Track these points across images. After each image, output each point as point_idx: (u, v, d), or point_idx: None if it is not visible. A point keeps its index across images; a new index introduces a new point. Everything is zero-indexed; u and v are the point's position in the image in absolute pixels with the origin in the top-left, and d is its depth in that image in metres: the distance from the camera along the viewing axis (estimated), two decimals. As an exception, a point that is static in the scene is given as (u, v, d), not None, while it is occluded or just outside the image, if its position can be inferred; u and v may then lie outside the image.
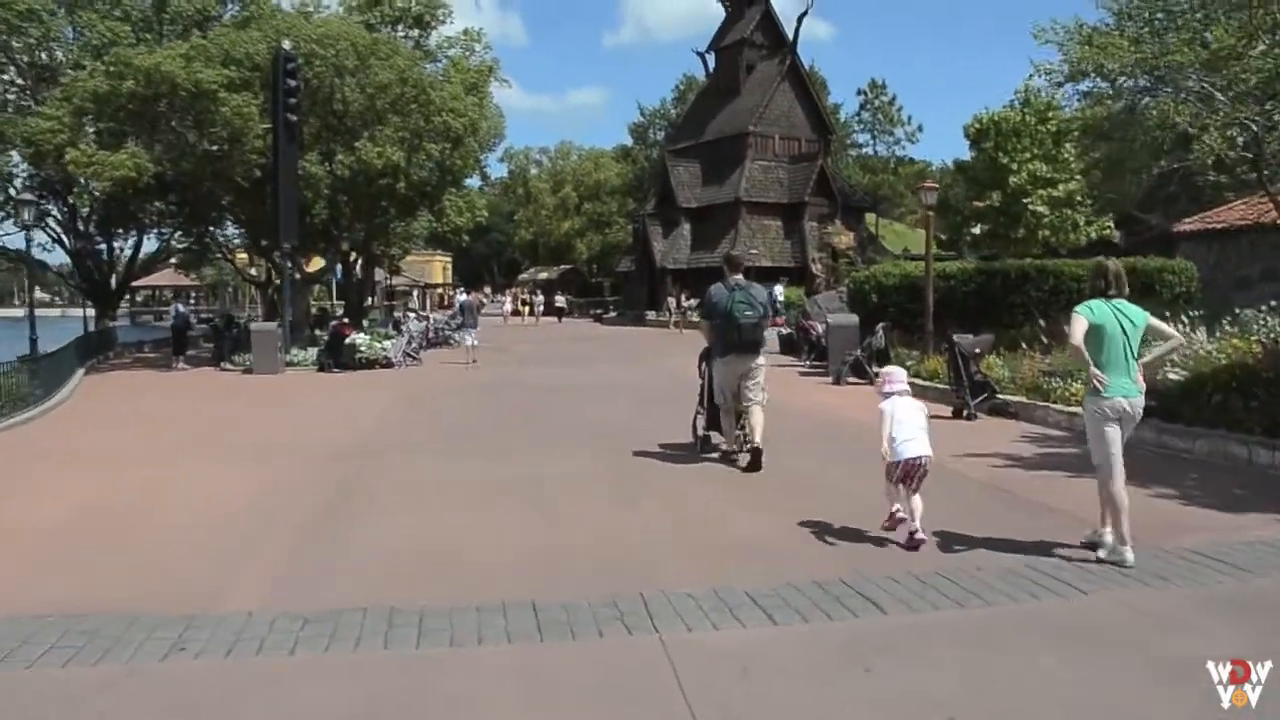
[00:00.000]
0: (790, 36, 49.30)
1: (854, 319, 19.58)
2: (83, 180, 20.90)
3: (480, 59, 32.30)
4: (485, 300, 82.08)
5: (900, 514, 6.49)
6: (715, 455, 9.72)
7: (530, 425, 12.45)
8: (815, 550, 6.35)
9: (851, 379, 17.22)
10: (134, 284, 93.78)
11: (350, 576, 5.84)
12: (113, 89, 21.51)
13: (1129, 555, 5.72)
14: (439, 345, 31.57)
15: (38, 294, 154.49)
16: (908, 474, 6.33)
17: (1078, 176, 38.27)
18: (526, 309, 54.97)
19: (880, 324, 17.99)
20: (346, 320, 23.48)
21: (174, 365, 24.47)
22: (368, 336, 23.38)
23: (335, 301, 45.54)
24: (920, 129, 58.78)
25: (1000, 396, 12.87)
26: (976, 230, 40.35)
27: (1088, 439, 6.03)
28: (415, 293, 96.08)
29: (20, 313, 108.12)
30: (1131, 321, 5.74)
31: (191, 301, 78.59)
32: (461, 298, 46.28)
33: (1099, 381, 5.66)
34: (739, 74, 49.84)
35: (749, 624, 4.90)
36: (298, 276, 26.02)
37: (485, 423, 12.88)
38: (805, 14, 48.26)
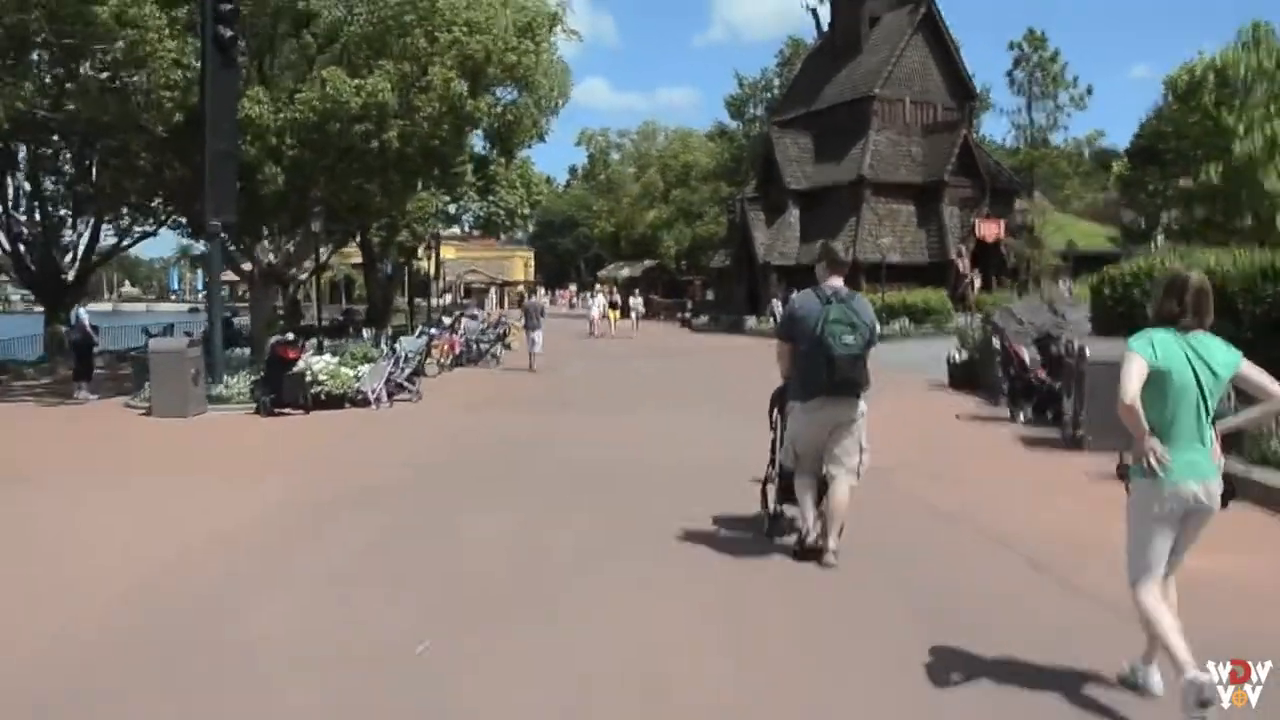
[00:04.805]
0: (925, -21, 40.11)
1: (1133, 353, 10.95)
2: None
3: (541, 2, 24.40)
4: (574, 300, 75.01)
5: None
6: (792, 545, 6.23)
7: None
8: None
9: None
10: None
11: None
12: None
13: (1155, 679, 3.99)
14: (472, 362, 23.98)
15: (126, 288, 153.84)
16: None
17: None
18: (617, 313, 39.64)
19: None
20: (290, 338, 15.72)
21: (75, 394, 17.13)
22: (333, 360, 15.57)
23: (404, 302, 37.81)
24: (1090, 91, 47.79)
25: None
26: (1174, 215, 30.91)
27: (1126, 531, 4.02)
28: (492, 290, 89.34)
29: (109, 306, 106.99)
30: (1211, 369, 3.79)
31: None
32: (550, 298, 39.22)
33: (1155, 458, 3.73)
34: (860, 28, 40.91)
35: None
36: (251, 269, 18.44)
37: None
38: (943, -48, 38.86)
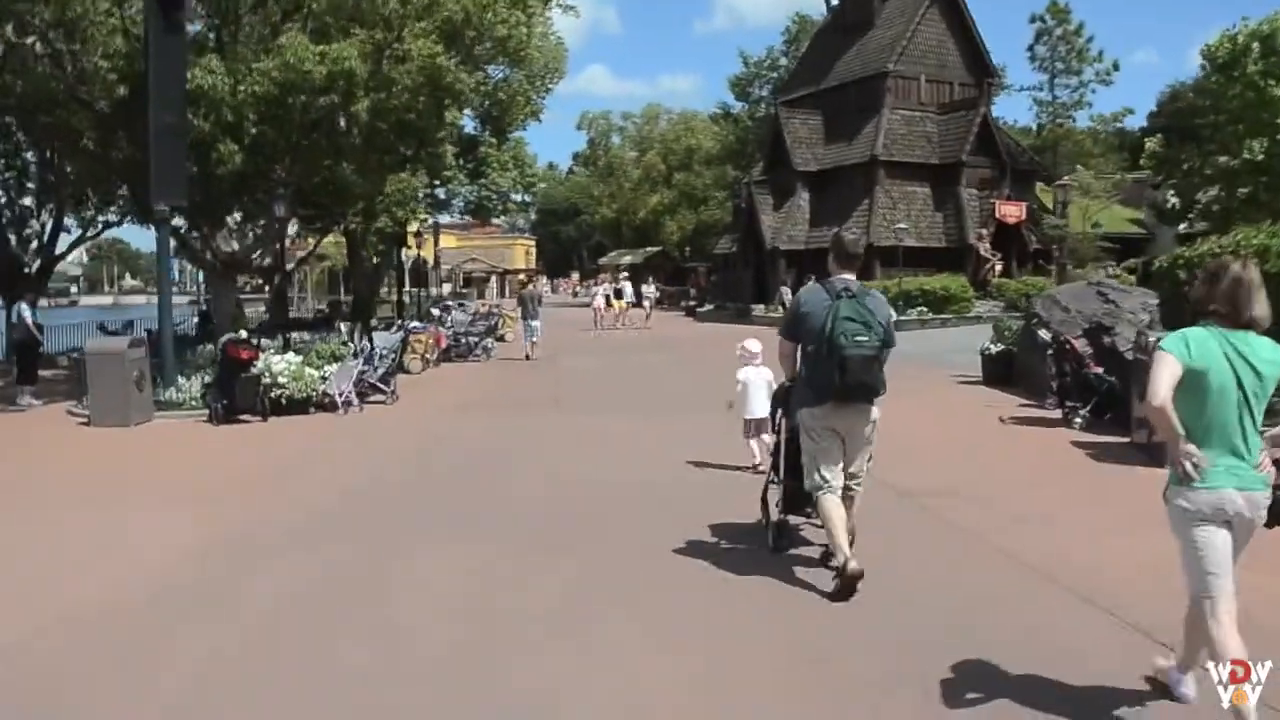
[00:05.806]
0: (941, -51, 38.08)
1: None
2: None
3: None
4: (577, 289, 73.37)
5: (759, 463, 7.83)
6: (801, 556, 5.92)
7: None
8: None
9: None
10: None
11: None
12: None
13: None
14: (460, 357, 22.29)
15: (128, 281, 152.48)
16: (758, 429, 8.17)
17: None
18: (622, 302, 36.74)
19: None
20: (245, 336, 14.05)
21: (18, 399, 15.48)
22: (295, 360, 13.87)
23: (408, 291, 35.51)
24: (1116, 67, 45.33)
25: None
26: (1213, 194, 28.97)
27: (1179, 549, 3.66)
28: (493, 279, 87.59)
29: (109, 299, 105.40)
30: (1255, 369, 3.43)
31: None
32: (551, 287, 37.21)
33: (1190, 464, 3.42)
34: (872, 1, 38.98)
35: None
36: (211, 259, 16.72)
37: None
38: (960, -80, 36.92)
